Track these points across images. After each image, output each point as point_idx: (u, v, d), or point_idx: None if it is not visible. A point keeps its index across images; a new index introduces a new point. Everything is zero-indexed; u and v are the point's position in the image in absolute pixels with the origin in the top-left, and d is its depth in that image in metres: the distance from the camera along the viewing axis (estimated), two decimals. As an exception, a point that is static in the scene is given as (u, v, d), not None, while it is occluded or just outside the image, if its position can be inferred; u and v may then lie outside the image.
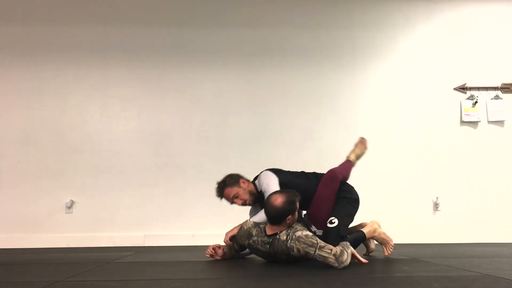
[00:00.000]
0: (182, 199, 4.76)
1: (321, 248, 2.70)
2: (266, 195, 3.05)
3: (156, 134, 4.85)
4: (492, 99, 5.05)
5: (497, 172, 4.97)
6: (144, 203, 4.74)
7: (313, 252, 2.70)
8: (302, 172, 3.47)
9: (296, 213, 2.90)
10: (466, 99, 5.05)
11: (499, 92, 5.07)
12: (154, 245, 4.62)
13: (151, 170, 4.79)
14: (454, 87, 5.07)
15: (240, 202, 3.26)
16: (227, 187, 3.26)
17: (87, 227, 4.68)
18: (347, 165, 3.52)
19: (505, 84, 5.09)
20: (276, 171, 3.32)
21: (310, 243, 2.72)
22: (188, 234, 4.64)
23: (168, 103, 4.89)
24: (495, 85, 5.08)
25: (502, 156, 5.00)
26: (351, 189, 3.38)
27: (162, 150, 4.84)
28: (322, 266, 2.85)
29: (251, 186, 3.32)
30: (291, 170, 3.43)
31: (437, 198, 4.91)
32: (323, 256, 2.67)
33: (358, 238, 3.20)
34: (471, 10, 5.17)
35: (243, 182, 3.29)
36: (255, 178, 3.38)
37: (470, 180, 4.96)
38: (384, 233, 3.33)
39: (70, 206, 4.70)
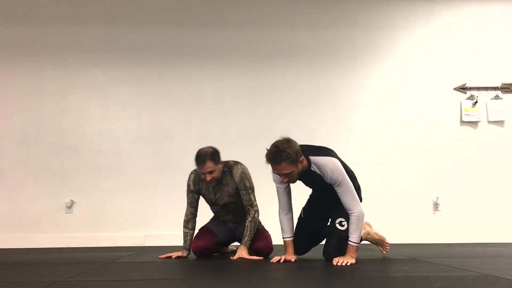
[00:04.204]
0: (182, 199, 4.73)
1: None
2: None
3: (156, 134, 4.85)
4: (492, 99, 5.05)
5: (497, 172, 4.97)
6: (144, 203, 4.75)
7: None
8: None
9: None
10: (466, 99, 5.05)
11: (499, 92, 5.07)
12: (154, 245, 4.62)
13: (151, 170, 4.79)
14: (454, 87, 5.07)
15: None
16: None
17: (87, 227, 4.68)
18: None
19: (505, 84, 5.09)
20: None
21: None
22: (188, 234, 4.65)
23: (168, 103, 4.89)
24: (495, 85, 5.08)
25: (502, 156, 5.00)
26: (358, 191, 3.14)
27: (162, 150, 4.84)
28: (321, 265, 2.86)
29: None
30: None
31: (437, 198, 4.91)
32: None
33: None
34: (471, 10, 5.16)
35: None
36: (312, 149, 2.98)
37: (470, 180, 4.96)
38: (376, 233, 3.32)
39: (70, 206, 4.70)
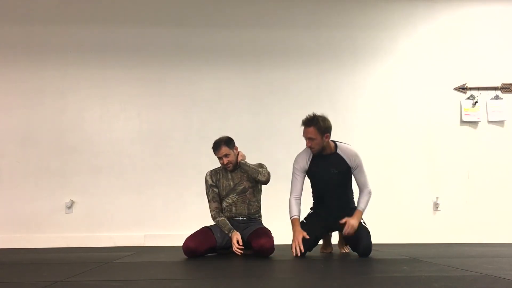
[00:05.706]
0: (182, 199, 4.76)
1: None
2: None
3: (156, 134, 4.85)
4: (492, 99, 5.05)
5: (497, 172, 4.97)
6: (144, 203, 4.74)
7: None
8: None
9: None
10: (466, 99, 5.05)
11: (499, 92, 5.07)
12: (154, 245, 4.62)
13: (151, 170, 4.79)
14: (454, 87, 5.07)
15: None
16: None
17: (87, 227, 4.68)
18: None
19: (505, 84, 5.09)
20: None
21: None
22: (188, 234, 4.64)
23: (168, 103, 4.89)
24: (495, 85, 5.08)
25: (502, 156, 5.00)
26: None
27: (162, 150, 4.84)
28: (321, 266, 2.86)
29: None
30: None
31: (437, 198, 4.91)
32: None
33: None
34: (471, 10, 5.16)
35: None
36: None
37: (470, 180, 4.96)
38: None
39: (70, 206, 4.70)
